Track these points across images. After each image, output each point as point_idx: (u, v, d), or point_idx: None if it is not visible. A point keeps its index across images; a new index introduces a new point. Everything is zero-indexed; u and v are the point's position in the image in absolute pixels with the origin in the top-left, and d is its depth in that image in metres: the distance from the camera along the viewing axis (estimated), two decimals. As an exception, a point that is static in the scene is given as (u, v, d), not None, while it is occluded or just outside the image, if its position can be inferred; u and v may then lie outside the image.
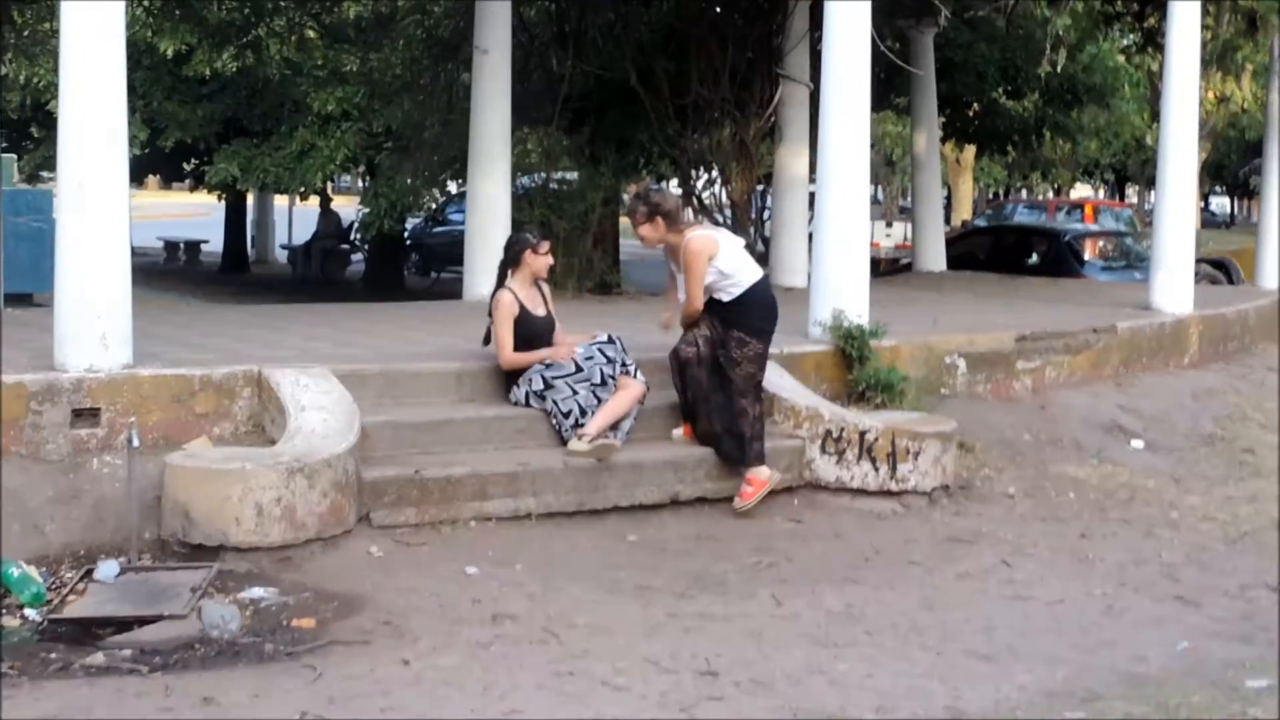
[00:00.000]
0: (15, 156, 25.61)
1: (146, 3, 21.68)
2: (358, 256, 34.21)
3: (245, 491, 8.44)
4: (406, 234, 31.03)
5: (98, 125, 9.46)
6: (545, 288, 10.86)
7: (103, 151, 9.48)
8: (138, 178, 36.10)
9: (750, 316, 10.44)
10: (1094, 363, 14.19)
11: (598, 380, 10.24)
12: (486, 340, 10.67)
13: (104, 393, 9.38)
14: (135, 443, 8.73)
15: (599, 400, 10.19)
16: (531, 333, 10.54)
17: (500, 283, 10.70)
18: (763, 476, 10.21)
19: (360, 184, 34.22)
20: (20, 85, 23.78)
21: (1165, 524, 10.62)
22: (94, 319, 9.44)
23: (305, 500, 8.58)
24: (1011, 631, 7.95)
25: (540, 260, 10.65)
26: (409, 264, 34.02)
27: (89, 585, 8.01)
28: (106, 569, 8.15)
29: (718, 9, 19.99)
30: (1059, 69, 20.20)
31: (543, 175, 19.90)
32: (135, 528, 8.54)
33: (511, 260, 10.69)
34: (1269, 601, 8.71)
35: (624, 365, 10.38)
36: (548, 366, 10.30)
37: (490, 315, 10.60)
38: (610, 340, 10.50)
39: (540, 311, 10.66)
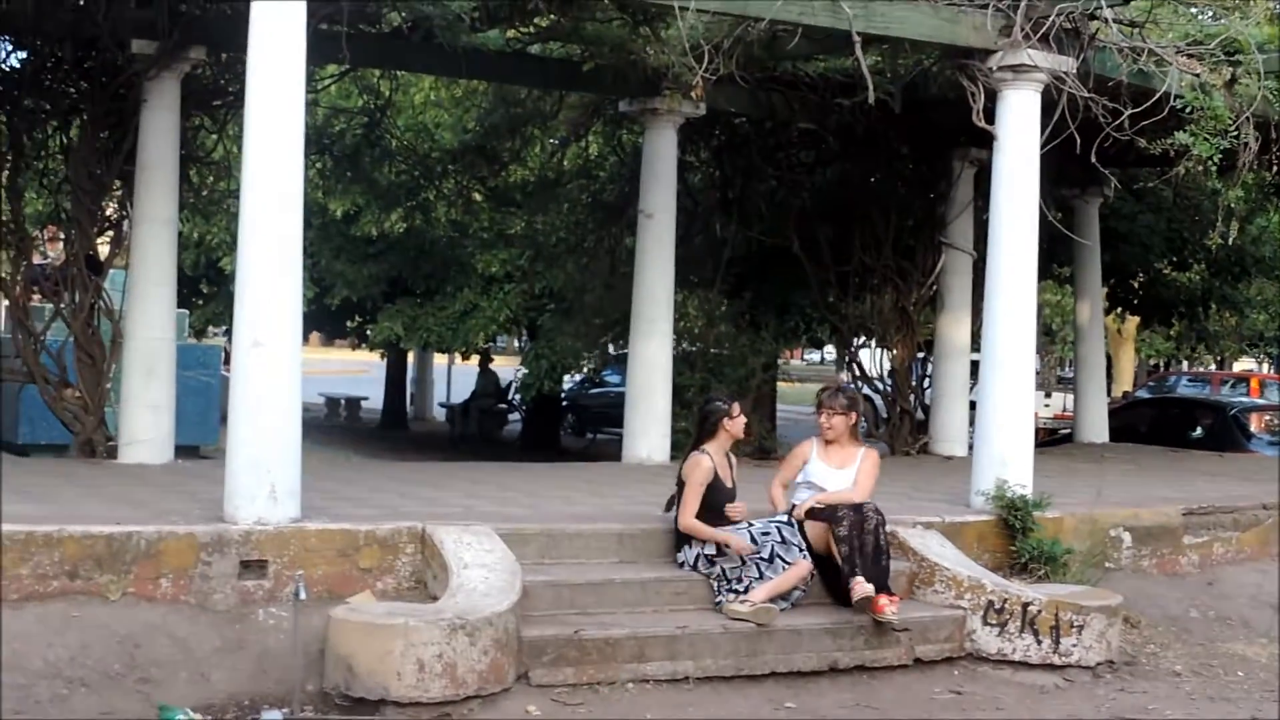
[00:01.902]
0: (187, 312, 26.19)
1: (319, 164, 22.19)
2: (515, 416, 34.49)
3: (407, 646, 8.49)
4: (563, 394, 31.24)
5: (274, 284, 9.70)
6: (732, 457, 10.89)
7: (278, 311, 9.72)
8: (303, 334, 36.76)
9: None
10: (1264, 540, 13.92)
11: (767, 557, 10.23)
12: (669, 506, 10.71)
13: (272, 545, 9.52)
14: (303, 595, 8.83)
15: (762, 575, 10.16)
16: (719, 501, 10.55)
17: (695, 448, 10.78)
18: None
19: (517, 344, 34.65)
20: (195, 243, 24.36)
21: (1340, 707, 10.34)
22: (264, 473, 9.61)
23: (466, 657, 8.60)
24: (1180, 813, 7.76)
25: (737, 424, 10.78)
26: (565, 424, 34.24)
27: (253, 735, 8.08)
28: (271, 719, 8.22)
29: (881, 177, 20.06)
30: (1229, 241, 20.00)
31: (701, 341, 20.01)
32: (299, 679, 8.62)
33: (710, 430, 10.77)
34: None
35: (799, 548, 10.34)
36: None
37: (680, 479, 10.65)
38: (789, 522, 10.50)
39: (729, 482, 10.71)
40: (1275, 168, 15.84)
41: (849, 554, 10.26)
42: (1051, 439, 25.55)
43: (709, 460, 10.57)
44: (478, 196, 25.21)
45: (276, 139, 9.80)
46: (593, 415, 34.04)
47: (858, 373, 21.28)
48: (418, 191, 23.84)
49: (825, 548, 10.44)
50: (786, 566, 10.20)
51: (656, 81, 15.14)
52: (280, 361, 9.74)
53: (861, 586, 10.05)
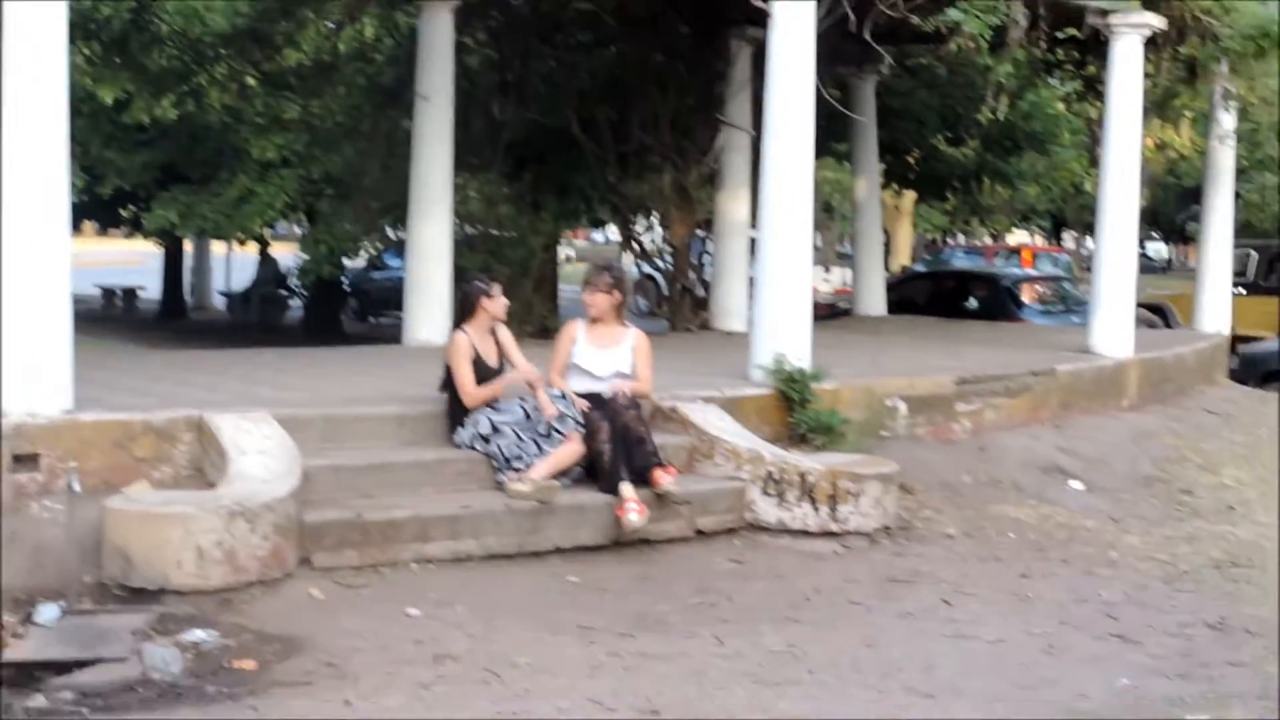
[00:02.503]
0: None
1: (86, 50, 21.58)
2: (296, 302, 34.12)
3: (186, 535, 8.40)
4: (345, 280, 30.96)
5: (39, 173, 9.44)
6: (505, 335, 10.88)
7: (44, 199, 9.46)
8: (75, 224, 35.84)
9: None
10: (1033, 405, 14.29)
11: (543, 431, 10.27)
12: (443, 386, 10.70)
13: (44, 438, 9.34)
14: (76, 488, 8.71)
15: (541, 450, 10.21)
16: (480, 380, 10.56)
17: (456, 328, 10.83)
18: None
19: (298, 230, 34.24)
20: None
21: (1104, 563, 10.69)
22: (34, 365, 9.40)
23: (246, 543, 8.53)
24: (952, 670, 7.98)
25: (496, 304, 10.77)
26: (348, 310, 33.97)
27: (29, 629, 7.95)
28: (47, 613, 8.11)
29: (659, 56, 20.06)
30: (999, 116, 20.34)
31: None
32: (75, 572, 8.50)
33: (469, 310, 10.76)
34: (1208, 639, 8.78)
35: (575, 422, 10.39)
36: (496, 410, 10.33)
37: (446, 360, 10.64)
38: (562, 396, 10.54)
39: (492, 361, 10.69)
40: (1044, 44, 16.14)
41: (613, 460, 10.23)
42: (832, 313, 25.89)
43: (466, 338, 10.60)
44: (251, 81, 24.70)
45: (37, 24, 9.48)
46: (375, 299, 33.86)
47: (638, 251, 21.38)
48: (189, 77, 23.29)
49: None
50: (562, 439, 10.27)
51: (430, -39, 14.94)
52: (47, 250, 9.50)
53: (627, 515, 9.98)
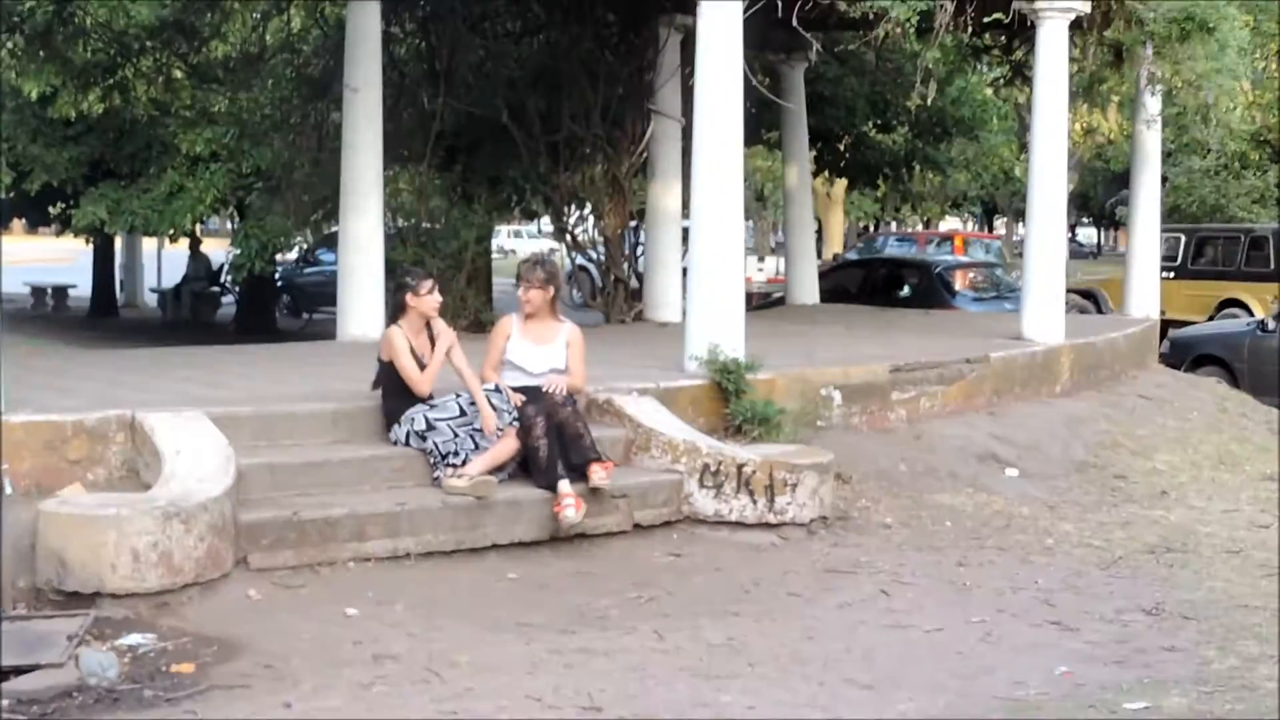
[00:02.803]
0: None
1: (10, 44, 21.38)
2: (229, 299, 33.94)
3: (120, 537, 8.32)
4: (278, 275, 30.79)
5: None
6: (440, 328, 10.74)
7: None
8: (2, 222, 35.57)
9: None
10: (967, 393, 14.33)
11: (480, 427, 10.22)
12: (376, 384, 10.63)
13: (-26, 440, 9.24)
14: (9, 490, 8.61)
15: (477, 446, 10.16)
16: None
17: (391, 324, 10.75)
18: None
19: (230, 225, 34.06)
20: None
21: (1041, 551, 10.75)
22: (-38, 365, 9.31)
23: (182, 545, 8.46)
24: (892, 660, 8.00)
25: (426, 301, 10.62)
26: (280, 305, 33.80)
27: (-38, 636, 7.87)
28: (-21, 618, 8.02)
29: (589, 45, 20.04)
30: (928, 102, 20.42)
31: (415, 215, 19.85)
32: (9, 576, 8.40)
33: (398, 307, 10.68)
34: (1144, 625, 8.84)
35: (513, 419, 10.35)
36: (431, 407, 10.27)
37: (380, 359, 10.60)
38: (497, 390, 10.49)
39: (427, 358, 10.58)
40: (971, 29, 16.19)
41: (549, 457, 10.17)
42: (765, 302, 25.97)
43: (399, 333, 10.52)
44: (178, 74, 24.58)
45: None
46: (308, 295, 33.69)
47: (571, 243, 21.36)
48: (115, 70, 23.14)
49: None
50: (500, 435, 10.23)
51: (357, -49, 14.84)
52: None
53: (565, 511, 9.94)
